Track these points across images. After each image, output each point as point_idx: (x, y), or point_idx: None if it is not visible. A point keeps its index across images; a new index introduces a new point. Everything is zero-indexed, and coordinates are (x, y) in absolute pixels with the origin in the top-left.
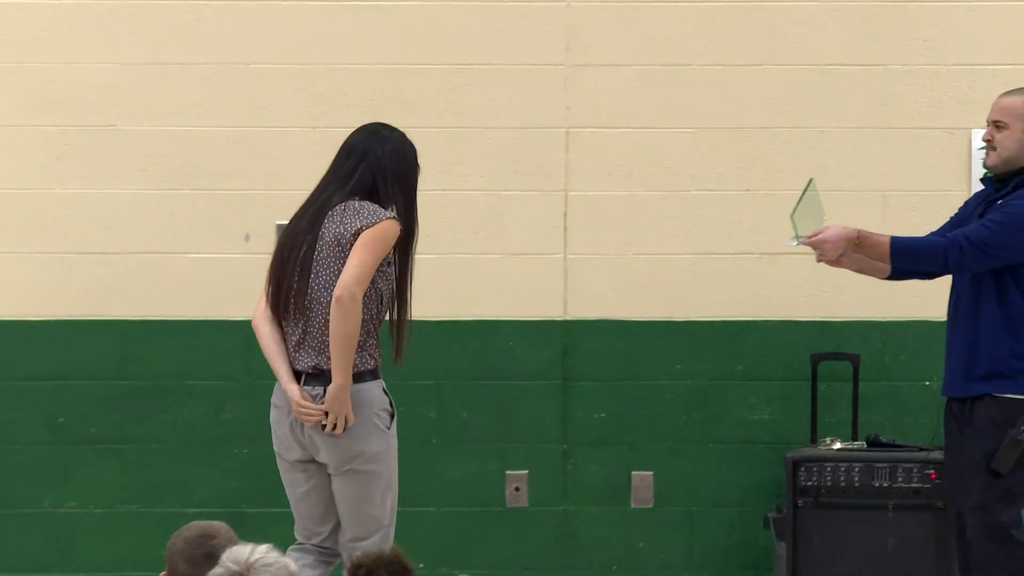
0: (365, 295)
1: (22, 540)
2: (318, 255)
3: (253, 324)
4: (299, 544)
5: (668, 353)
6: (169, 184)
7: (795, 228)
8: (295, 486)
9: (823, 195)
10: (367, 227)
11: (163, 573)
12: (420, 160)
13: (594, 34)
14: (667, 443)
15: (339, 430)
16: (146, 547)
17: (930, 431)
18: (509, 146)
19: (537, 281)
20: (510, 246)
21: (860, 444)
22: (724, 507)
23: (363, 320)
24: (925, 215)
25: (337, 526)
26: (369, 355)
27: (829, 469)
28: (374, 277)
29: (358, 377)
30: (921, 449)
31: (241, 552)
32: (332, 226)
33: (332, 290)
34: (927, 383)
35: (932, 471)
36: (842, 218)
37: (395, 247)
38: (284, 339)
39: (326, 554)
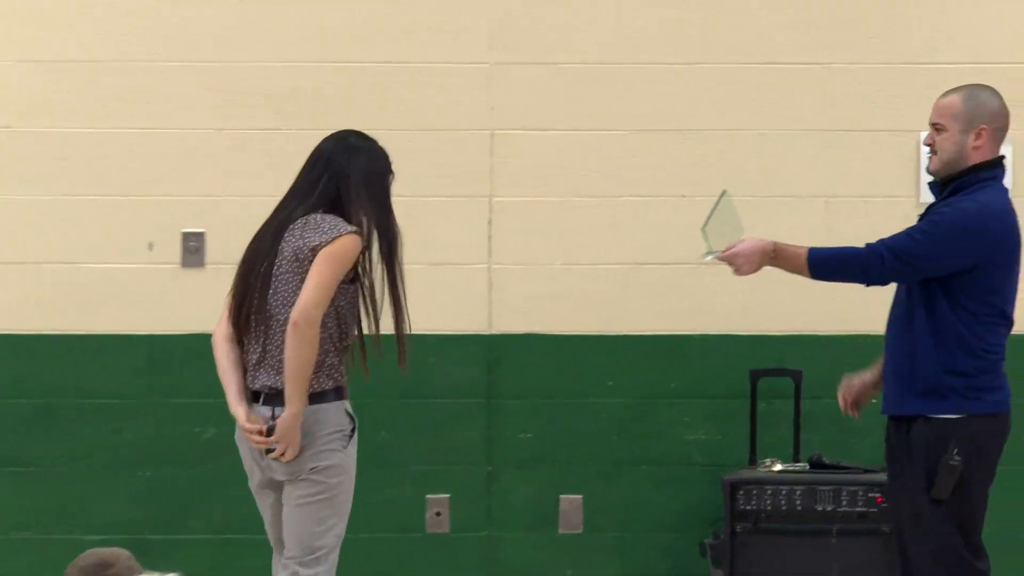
0: (324, 316)
1: None
2: (277, 270)
3: (212, 340)
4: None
5: (599, 369)
6: (67, 189)
7: (707, 242)
8: (262, 510)
9: (768, 201)
10: (324, 244)
11: None
12: None
13: (520, 29)
14: (598, 465)
15: (287, 457)
16: None
17: (876, 451)
18: (430, 149)
19: (460, 293)
20: (431, 255)
21: (802, 465)
22: (658, 533)
23: (321, 341)
24: (871, 222)
25: None
26: (327, 376)
27: (769, 492)
28: (334, 296)
29: (316, 398)
30: (866, 471)
31: None
32: (292, 240)
33: (291, 308)
34: (873, 400)
35: (878, 494)
36: (783, 225)
37: (380, 259)
38: (242, 357)
39: None
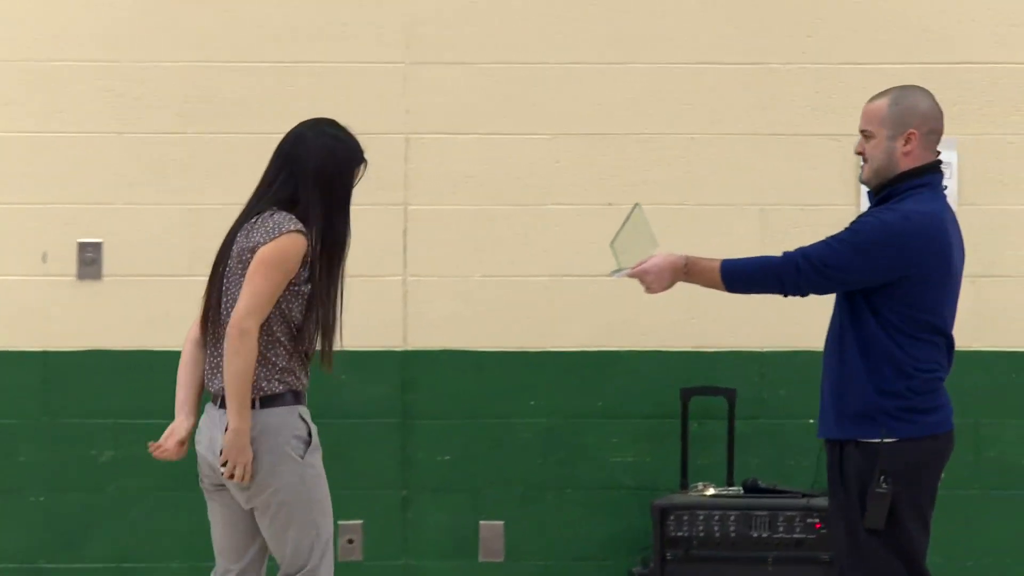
0: (269, 319)
1: None
2: (228, 271)
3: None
4: None
5: (521, 387)
6: None
7: (617, 258)
8: (212, 514)
9: (700, 210)
10: (263, 243)
11: None
12: (239, 171)
13: (437, 28)
14: (520, 489)
15: (243, 479)
16: None
17: (814, 475)
18: None
19: (373, 306)
20: None
21: (736, 489)
22: (583, 561)
23: (270, 345)
24: (808, 231)
25: (253, 563)
26: (279, 380)
27: (701, 518)
28: (284, 297)
29: (267, 401)
30: (804, 495)
31: None
32: (240, 240)
33: None
34: (811, 420)
35: (816, 519)
36: (716, 235)
37: (319, 261)
38: (203, 361)
39: None
